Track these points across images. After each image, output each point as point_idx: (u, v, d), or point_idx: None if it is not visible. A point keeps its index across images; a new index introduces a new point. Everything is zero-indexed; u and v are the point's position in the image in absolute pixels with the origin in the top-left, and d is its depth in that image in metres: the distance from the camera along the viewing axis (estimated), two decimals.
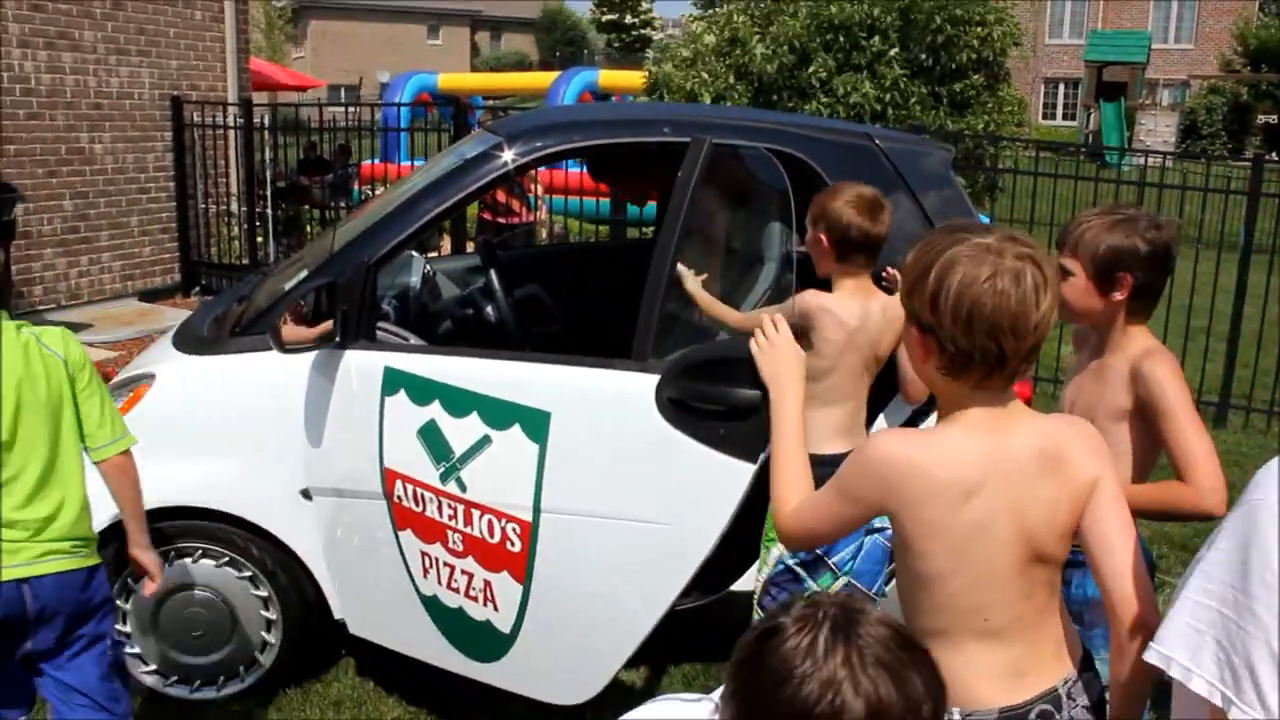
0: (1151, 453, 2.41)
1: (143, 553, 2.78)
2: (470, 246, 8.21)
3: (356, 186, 13.04)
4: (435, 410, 3.09)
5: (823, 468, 2.01)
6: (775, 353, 2.21)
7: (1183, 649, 1.43)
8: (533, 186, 9.20)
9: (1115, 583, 1.70)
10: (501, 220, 8.35)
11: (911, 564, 1.71)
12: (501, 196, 8.37)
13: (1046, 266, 1.62)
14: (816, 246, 2.99)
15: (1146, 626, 1.62)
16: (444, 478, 3.09)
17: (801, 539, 1.94)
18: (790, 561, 3.00)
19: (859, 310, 2.97)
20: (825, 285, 3.04)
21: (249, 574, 3.39)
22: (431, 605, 3.24)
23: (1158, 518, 2.38)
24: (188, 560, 3.39)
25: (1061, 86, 37.41)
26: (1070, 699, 1.74)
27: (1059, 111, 37.44)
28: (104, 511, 3.30)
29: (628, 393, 2.99)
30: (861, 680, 1.13)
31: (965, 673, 1.69)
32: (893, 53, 10.29)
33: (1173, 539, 5.10)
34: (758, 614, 3.10)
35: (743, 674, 1.19)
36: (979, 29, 10.54)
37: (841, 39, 10.43)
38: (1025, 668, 1.73)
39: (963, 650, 1.70)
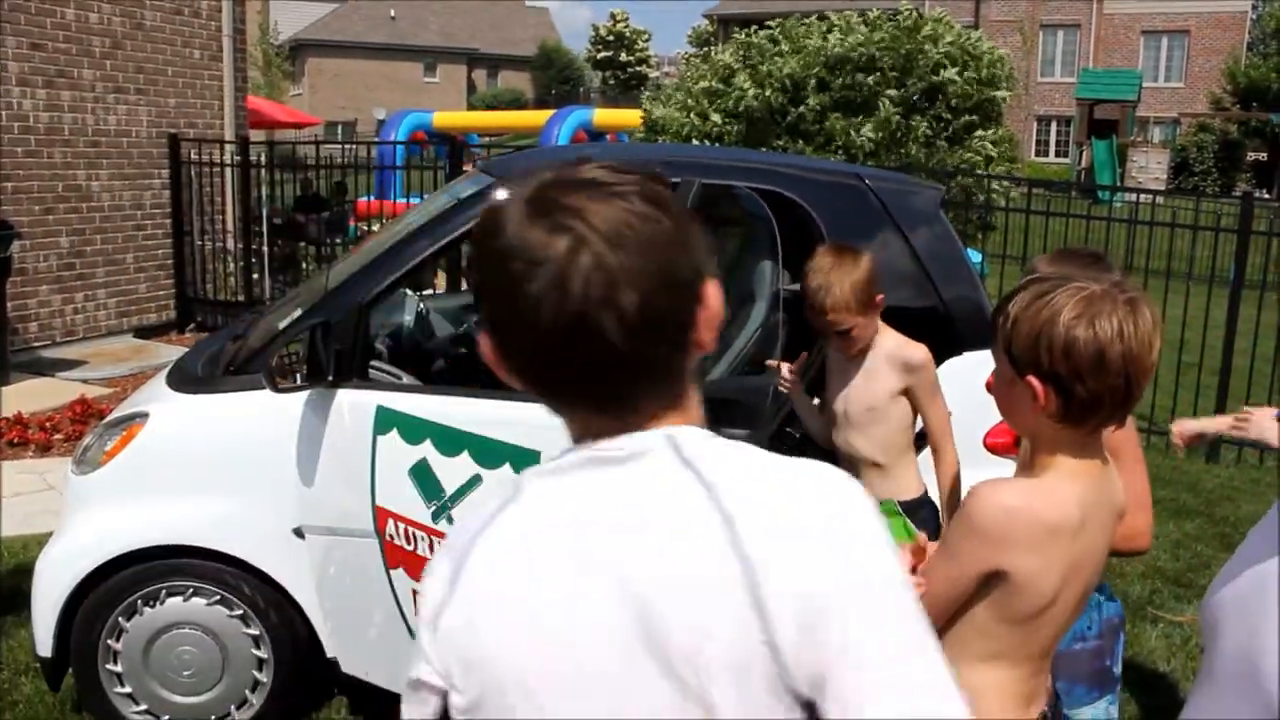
0: None
1: None
2: (465, 283, 8.24)
3: (352, 223, 13.11)
4: (427, 449, 3.10)
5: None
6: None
7: None
8: None
9: None
10: None
11: (1008, 602, 1.73)
12: None
13: (1151, 308, 1.70)
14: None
15: None
16: (435, 516, 3.10)
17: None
18: None
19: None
20: (806, 342, 3.06)
21: (240, 612, 3.39)
22: None
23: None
24: (179, 599, 3.38)
25: (1054, 124, 37.74)
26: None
27: (1051, 148, 37.74)
28: (108, 545, 3.32)
29: None
30: None
31: (1002, 695, 1.75)
32: (890, 92, 10.39)
33: (1166, 574, 5.10)
34: None
35: None
36: (977, 71, 10.65)
37: (838, 77, 10.53)
38: (1040, 691, 1.83)
39: (1009, 673, 1.76)
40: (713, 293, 1.04)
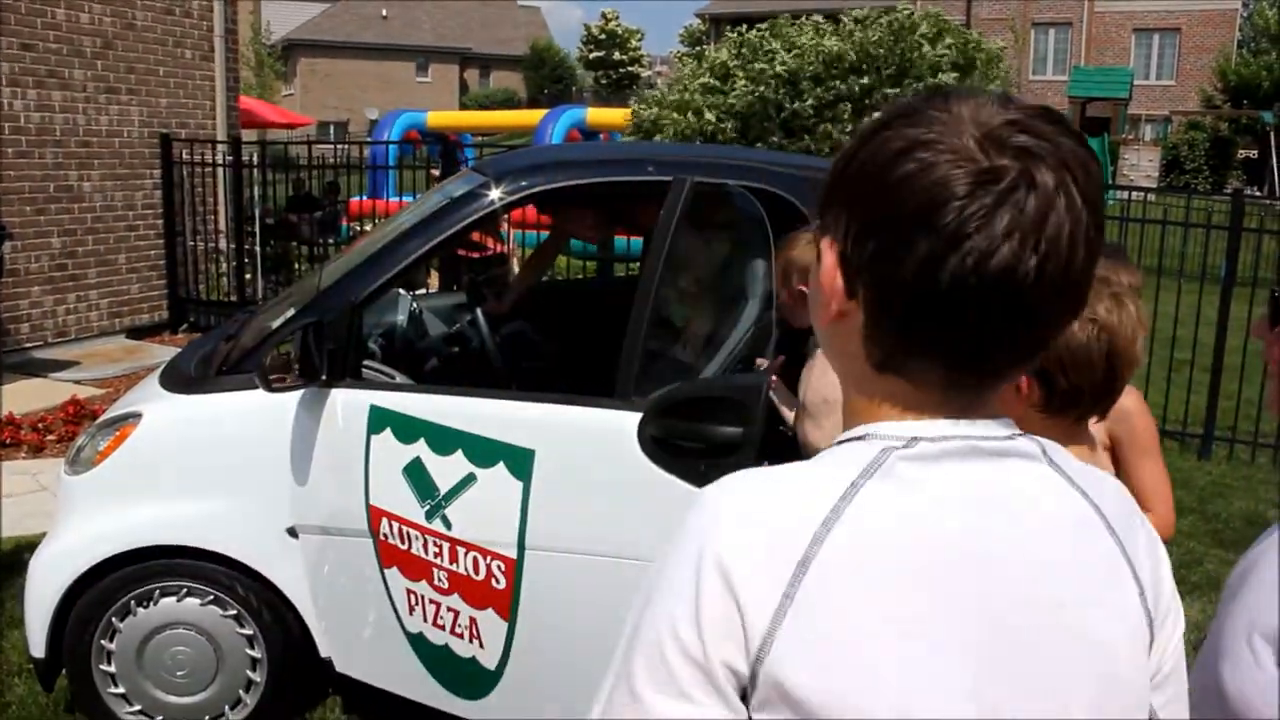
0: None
1: None
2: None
3: (345, 223, 13.09)
4: (420, 448, 3.10)
5: None
6: None
7: None
8: (504, 220, 9.24)
9: None
10: (474, 255, 8.37)
11: None
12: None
13: (1135, 302, 1.73)
14: (794, 300, 2.99)
15: None
16: (429, 515, 3.10)
17: None
18: None
19: None
20: (799, 340, 3.06)
21: (234, 612, 3.39)
22: (417, 643, 3.24)
23: None
24: (172, 599, 3.38)
25: None
26: None
27: None
28: (102, 545, 3.32)
29: (610, 431, 3.01)
30: None
31: None
32: (887, 90, 10.40)
33: None
34: None
35: None
36: (972, 73, 10.66)
37: (833, 73, 10.53)
38: None
39: None
40: None
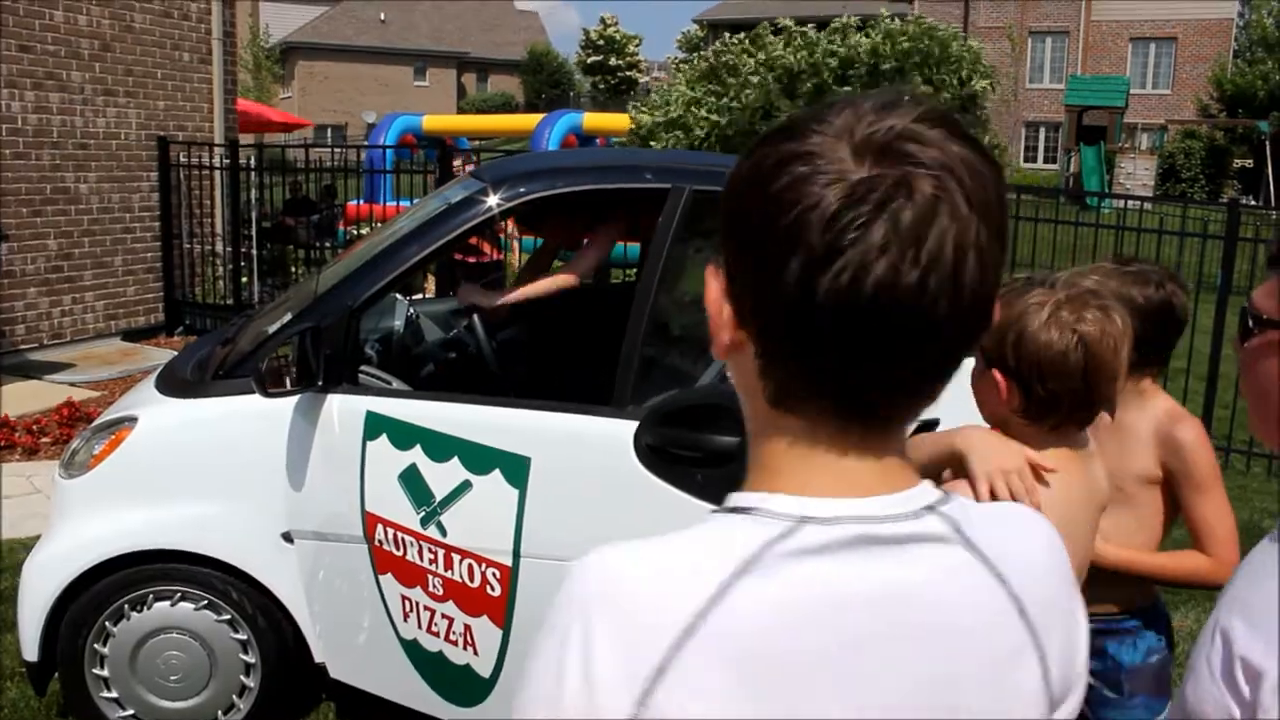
0: (1169, 518, 2.40)
1: None
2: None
3: (342, 227, 13.09)
4: (416, 455, 3.10)
5: None
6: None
7: None
8: (502, 226, 9.25)
9: None
10: (471, 260, 8.38)
11: None
12: (472, 238, 8.39)
13: (1122, 315, 1.72)
14: None
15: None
16: (425, 522, 3.09)
17: None
18: None
19: None
20: None
21: (228, 617, 3.38)
22: (412, 649, 3.24)
23: (1164, 583, 2.41)
24: (166, 603, 3.37)
25: (1042, 130, 37.88)
26: None
27: (1040, 155, 37.88)
28: (96, 549, 3.31)
29: (607, 439, 3.01)
30: None
31: None
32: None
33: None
34: None
35: None
36: (950, 68, 10.69)
37: (810, 86, 10.55)
38: None
39: None
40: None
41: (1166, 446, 2.32)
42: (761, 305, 0.80)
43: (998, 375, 1.73)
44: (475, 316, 4.16)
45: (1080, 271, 1.79)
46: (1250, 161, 30.41)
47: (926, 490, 0.85)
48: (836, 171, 0.77)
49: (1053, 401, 1.71)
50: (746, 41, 11.32)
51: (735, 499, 0.86)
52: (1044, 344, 1.67)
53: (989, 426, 1.83)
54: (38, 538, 3.57)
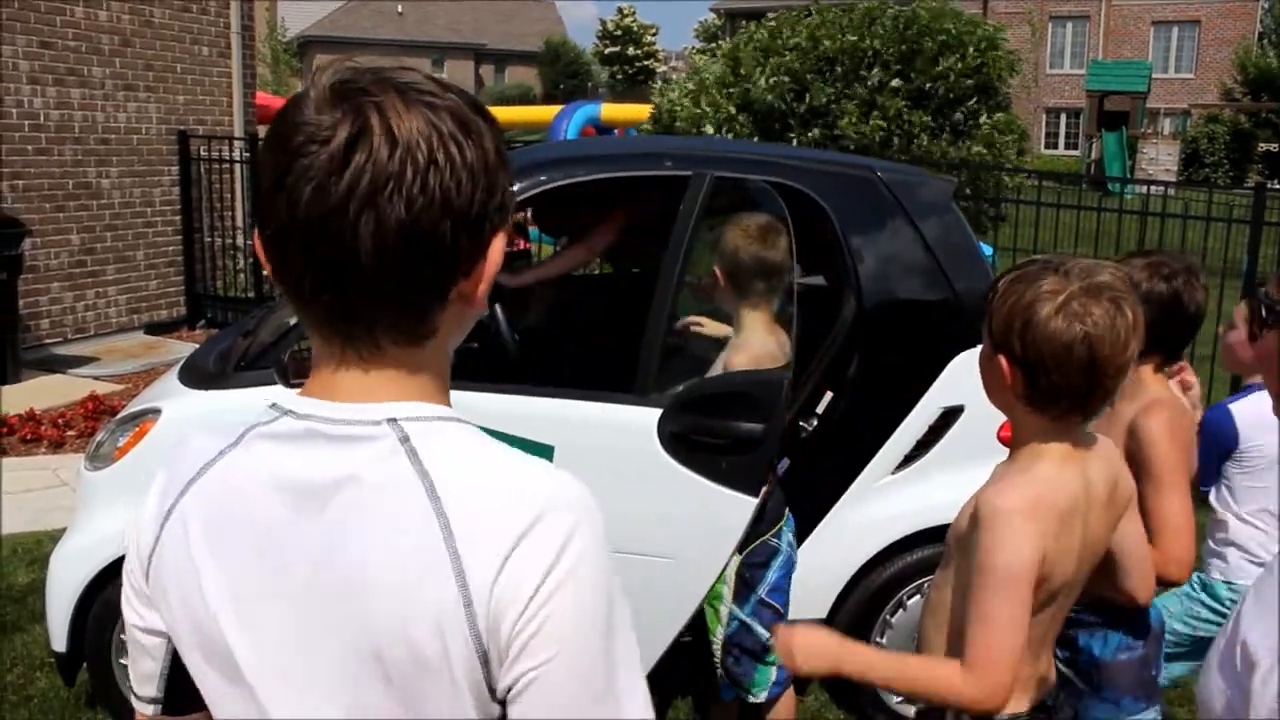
0: None
1: None
2: None
3: None
4: None
5: None
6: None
7: None
8: (525, 215, 9.24)
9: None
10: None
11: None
12: None
13: (1134, 309, 1.69)
14: (722, 280, 3.05)
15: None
16: None
17: (1010, 671, 1.69)
18: (743, 615, 3.03)
19: None
20: (823, 325, 3.06)
21: None
22: None
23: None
24: None
25: (1063, 116, 37.61)
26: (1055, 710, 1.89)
27: (1061, 141, 37.62)
28: (122, 540, 3.32)
29: (630, 427, 3.00)
30: None
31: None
32: (894, 83, 10.37)
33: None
34: (722, 675, 3.10)
35: None
36: (974, 53, 10.63)
37: (839, 69, 10.52)
38: (1036, 680, 1.83)
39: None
40: (496, 247, 0.97)
41: (1132, 435, 2.30)
42: (263, 229, 0.96)
43: (1003, 360, 1.72)
44: (497, 305, 4.15)
45: (1100, 263, 1.75)
46: (1275, 145, 30.12)
47: (401, 407, 0.97)
48: (303, 121, 0.92)
49: (1055, 392, 1.70)
50: (777, 25, 11.28)
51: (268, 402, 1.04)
52: (1050, 334, 1.66)
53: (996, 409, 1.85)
54: (64, 530, 3.59)
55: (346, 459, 0.95)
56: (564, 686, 0.90)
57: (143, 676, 1.10)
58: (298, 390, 1.02)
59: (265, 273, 1.02)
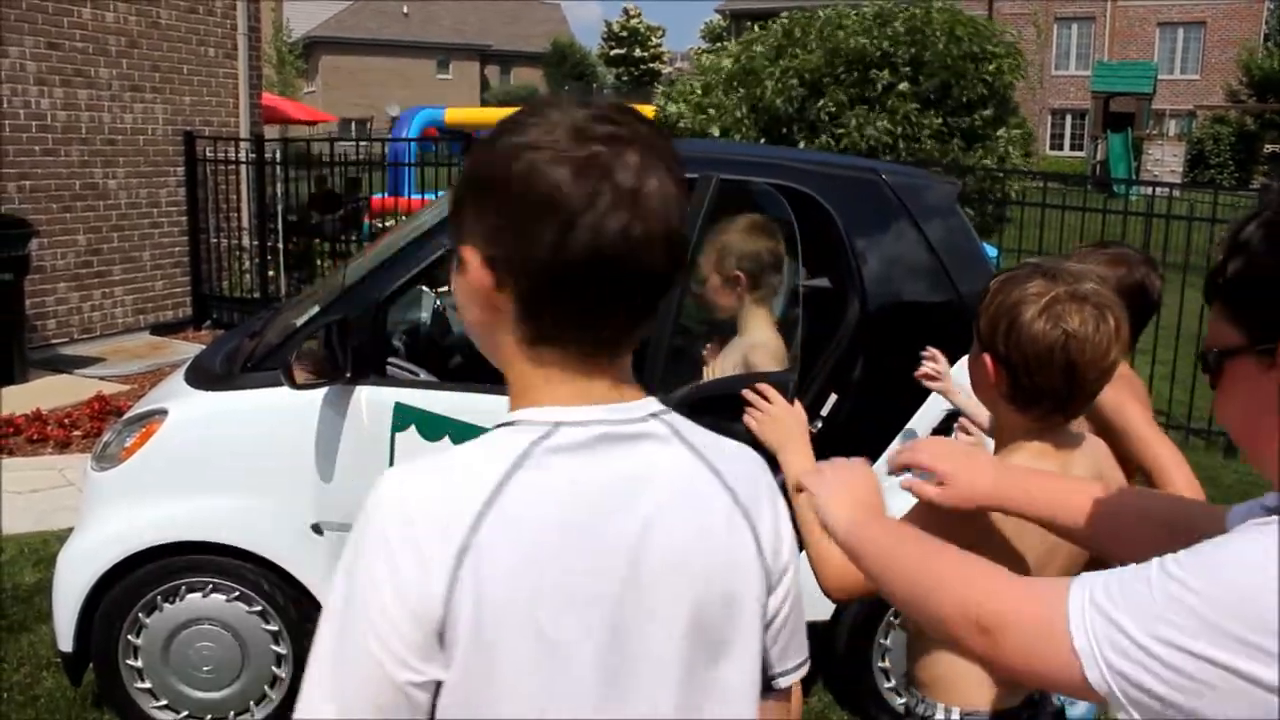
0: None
1: None
2: None
3: (366, 220, 13.13)
4: (445, 445, 3.11)
5: None
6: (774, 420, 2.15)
7: None
8: None
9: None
10: None
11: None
12: None
13: (1118, 316, 1.70)
14: (727, 283, 3.08)
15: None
16: None
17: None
18: None
19: None
20: (828, 328, 3.06)
21: (259, 608, 3.41)
22: None
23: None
24: (198, 595, 3.40)
25: (1069, 117, 37.56)
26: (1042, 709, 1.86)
27: (1066, 142, 37.58)
28: (128, 541, 3.33)
29: None
30: None
31: (982, 678, 1.75)
32: (903, 86, 10.37)
33: None
34: None
35: None
36: (989, 65, 10.63)
37: (855, 73, 10.52)
38: None
39: None
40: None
41: (1095, 412, 2.34)
42: (525, 267, 1.00)
43: (988, 360, 1.75)
44: None
45: (1089, 268, 1.78)
46: None
47: (651, 402, 1.08)
48: (563, 152, 0.97)
49: (1036, 393, 1.72)
50: (790, 25, 11.27)
51: (500, 421, 1.06)
52: (1032, 336, 1.68)
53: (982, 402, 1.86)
54: (70, 530, 3.60)
55: (641, 455, 1.05)
56: (796, 578, 1.19)
57: None
58: (528, 406, 1.05)
59: (495, 306, 1.05)
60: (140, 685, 3.45)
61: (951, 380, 2.84)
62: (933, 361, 2.86)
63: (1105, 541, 1.51)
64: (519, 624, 0.97)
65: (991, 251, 9.55)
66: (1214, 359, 1.10)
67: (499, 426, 1.05)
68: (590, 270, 0.98)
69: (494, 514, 0.97)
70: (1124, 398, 2.34)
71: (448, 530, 0.97)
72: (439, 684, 0.97)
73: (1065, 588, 1.08)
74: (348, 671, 0.98)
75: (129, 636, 3.41)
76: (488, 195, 1.01)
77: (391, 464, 3.17)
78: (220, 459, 3.40)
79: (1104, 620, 1.02)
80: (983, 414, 2.92)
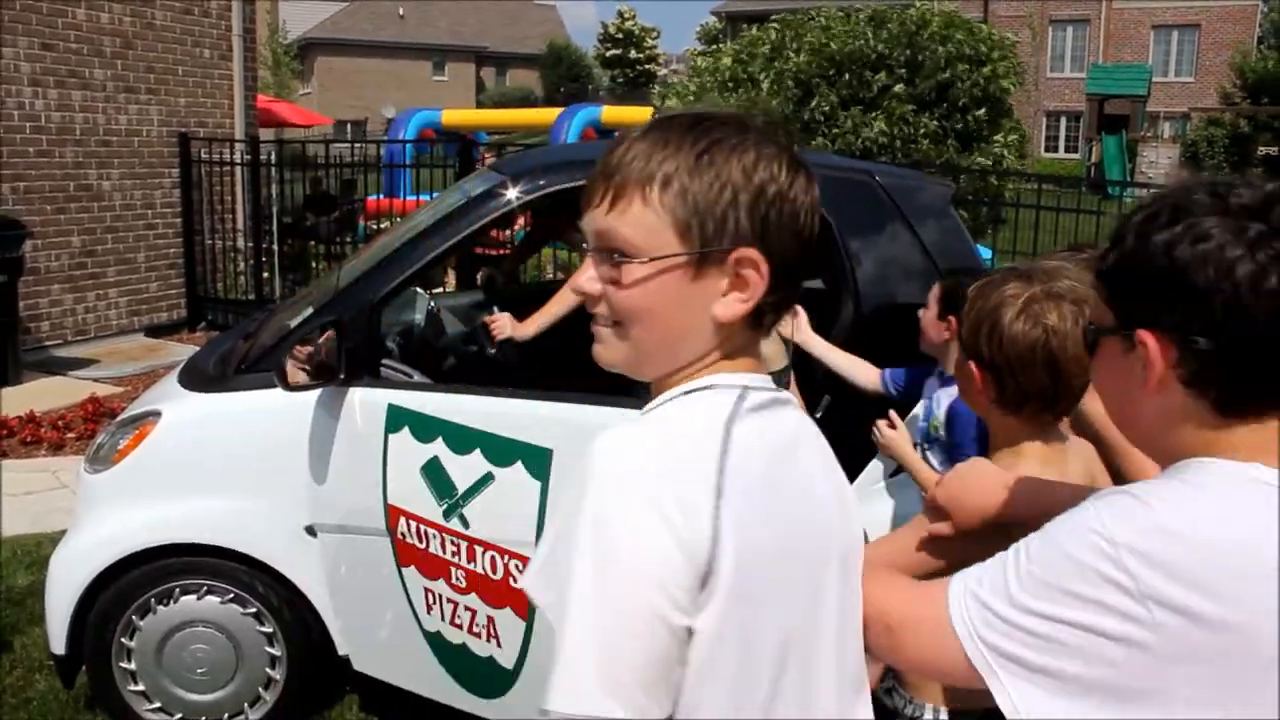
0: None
1: None
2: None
3: (362, 222, 13.12)
4: (438, 447, 3.10)
5: None
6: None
7: None
8: (519, 218, 9.24)
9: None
10: (491, 252, 8.38)
11: None
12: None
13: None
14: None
15: None
16: (447, 514, 3.10)
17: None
18: None
19: None
20: (825, 328, 3.06)
21: (254, 610, 3.40)
22: (435, 642, 3.25)
23: None
24: (192, 597, 3.39)
25: (1063, 119, 37.61)
26: None
27: (1061, 144, 37.62)
28: (122, 542, 3.33)
29: None
30: None
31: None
32: (899, 88, 10.38)
33: None
34: None
35: None
36: (984, 69, 10.65)
37: (846, 75, 10.53)
38: None
39: None
40: None
41: (1077, 417, 2.32)
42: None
43: (973, 367, 1.77)
44: (495, 308, 4.16)
45: (1064, 266, 1.79)
46: (1275, 149, 30.08)
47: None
48: (1229, 231, 1.08)
49: (1022, 394, 1.73)
50: (783, 29, 11.28)
51: (689, 385, 1.14)
52: (1013, 337, 1.70)
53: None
54: (64, 532, 3.60)
55: (792, 418, 1.19)
56: None
57: (670, 686, 1.04)
58: (706, 371, 1.15)
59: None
60: (134, 688, 3.44)
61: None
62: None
63: None
64: (766, 567, 1.07)
65: (985, 253, 9.56)
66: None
67: (690, 391, 1.13)
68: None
69: (729, 464, 1.06)
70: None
71: (705, 477, 1.04)
72: (690, 631, 1.02)
73: (947, 585, 1.18)
74: (614, 623, 1.01)
75: (122, 639, 3.40)
76: (1164, 281, 1.14)
77: (385, 466, 3.17)
78: (214, 461, 3.40)
79: (977, 604, 1.12)
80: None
